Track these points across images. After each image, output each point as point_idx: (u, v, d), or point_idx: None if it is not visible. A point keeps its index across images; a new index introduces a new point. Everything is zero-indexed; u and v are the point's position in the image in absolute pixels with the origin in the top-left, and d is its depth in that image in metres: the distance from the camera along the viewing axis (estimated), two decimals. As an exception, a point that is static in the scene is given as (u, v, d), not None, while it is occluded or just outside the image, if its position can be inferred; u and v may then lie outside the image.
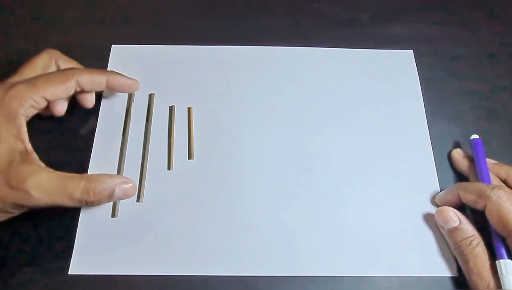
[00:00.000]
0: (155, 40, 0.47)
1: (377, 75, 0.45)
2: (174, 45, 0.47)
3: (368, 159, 0.41)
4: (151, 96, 0.43)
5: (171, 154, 0.40)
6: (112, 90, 0.41)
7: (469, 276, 0.33)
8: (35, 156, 0.33)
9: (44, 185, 0.30)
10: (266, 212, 0.38)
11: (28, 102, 0.33)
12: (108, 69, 0.40)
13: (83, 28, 0.48)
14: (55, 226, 0.37)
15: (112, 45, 0.46)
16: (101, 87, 0.39)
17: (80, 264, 0.35)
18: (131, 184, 0.34)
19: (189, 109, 0.43)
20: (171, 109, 0.43)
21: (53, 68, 0.37)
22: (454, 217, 0.35)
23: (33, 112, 0.35)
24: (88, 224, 0.37)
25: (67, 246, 0.36)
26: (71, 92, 0.36)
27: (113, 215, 0.37)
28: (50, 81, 0.34)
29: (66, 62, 0.39)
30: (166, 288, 0.35)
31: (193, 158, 0.40)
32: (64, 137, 0.41)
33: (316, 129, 0.42)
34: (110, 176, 0.33)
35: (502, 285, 0.32)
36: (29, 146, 0.33)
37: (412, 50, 0.47)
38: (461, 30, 0.49)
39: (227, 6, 0.50)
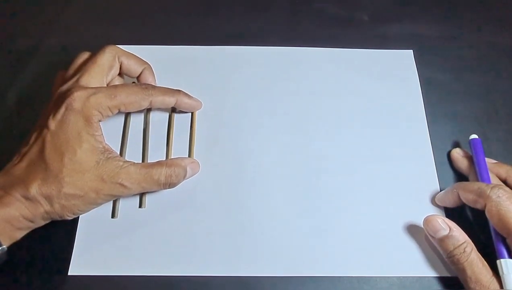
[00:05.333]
0: (155, 40, 0.47)
1: (377, 75, 0.45)
2: (174, 46, 0.47)
3: (368, 159, 0.41)
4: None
5: (169, 155, 0.40)
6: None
7: (467, 284, 0.32)
8: (115, 153, 0.36)
9: (134, 176, 0.35)
10: (267, 212, 0.38)
11: (106, 111, 0.36)
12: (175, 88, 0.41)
13: (83, 28, 0.48)
14: (55, 226, 0.36)
15: (112, 45, 0.46)
16: (168, 106, 0.41)
17: (80, 264, 0.35)
18: (195, 162, 0.39)
19: (192, 113, 0.42)
20: (171, 108, 0.43)
21: (117, 66, 0.39)
22: (444, 225, 0.34)
23: (106, 117, 0.37)
24: (88, 224, 0.37)
25: (67, 246, 0.36)
26: (143, 108, 0.39)
27: (113, 215, 0.37)
28: (129, 97, 0.37)
29: (127, 58, 0.40)
30: (167, 288, 0.35)
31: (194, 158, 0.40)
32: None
33: (316, 129, 0.42)
34: (181, 159, 0.38)
35: (503, 284, 0.32)
36: (107, 145, 0.36)
37: (412, 50, 0.47)
38: (461, 30, 0.49)
39: (227, 6, 0.50)
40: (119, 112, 0.37)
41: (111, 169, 0.34)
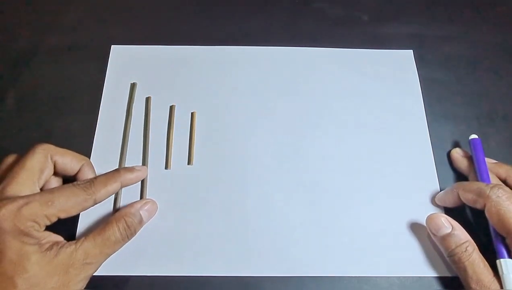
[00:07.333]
0: (155, 40, 0.47)
1: (377, 75, 0.45)
2: (174, 46, 0.46)
3: (368, 159, 0.41)
4: (148, 99, 0.43)
5: (169, 155, 0.40)
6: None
7: (468, 284, 0.32)
8: (60, 239, 0.33)
9: (93, 251, 0.32)
10: (267, 212, 0.38)
11: (43, 220, 0.32)
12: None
13: (83, 28, 0.48)
14: (54, 226, 0.36)
15: (112, 45, 0.46)
16: (114, 193, 0.37)
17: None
18: (149, 203, 0.37)
19: (192, 114, 0.42)
20: (171, 108, 0.43)
21: (50, 166, 0.35)
22: (446, 223, 0.35)
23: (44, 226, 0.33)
24: (88, 224, 0.37)
25: (67, 246, 0.36)
26: (86, 209, 0.35)
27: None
28: (68, 201, 0.33)
29: (61, 156, 0.36)
30: (167, 288, 0.35)
31: (194, 159, 0.40)
32: (63, 138, 0.41)
33: (316, 129, 0.42)
34: (131, 205, 0.36)
35: (503, 284, 0.32)
36: (53, 236, 0.33)
37: (412, 50, 0.47)
38: (460, 30, 0.49)
39: (227, 6, 0.50)
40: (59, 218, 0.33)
41: (68, 257, 0.31)
